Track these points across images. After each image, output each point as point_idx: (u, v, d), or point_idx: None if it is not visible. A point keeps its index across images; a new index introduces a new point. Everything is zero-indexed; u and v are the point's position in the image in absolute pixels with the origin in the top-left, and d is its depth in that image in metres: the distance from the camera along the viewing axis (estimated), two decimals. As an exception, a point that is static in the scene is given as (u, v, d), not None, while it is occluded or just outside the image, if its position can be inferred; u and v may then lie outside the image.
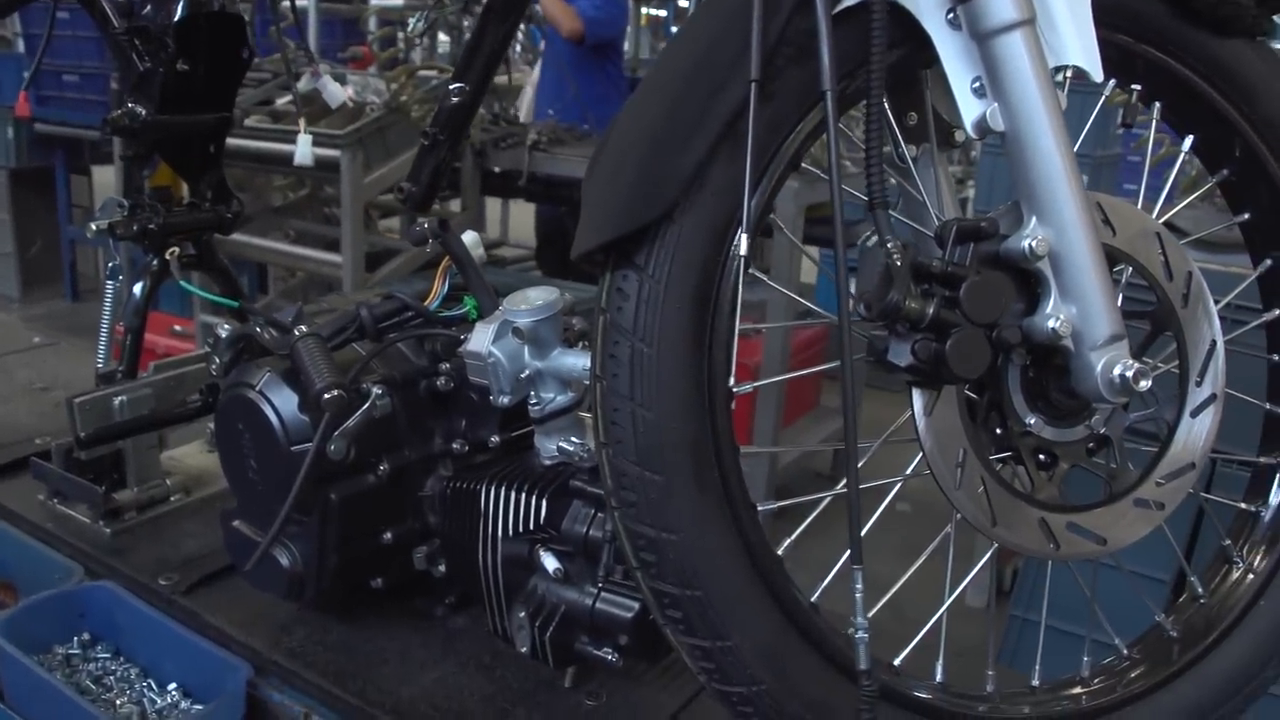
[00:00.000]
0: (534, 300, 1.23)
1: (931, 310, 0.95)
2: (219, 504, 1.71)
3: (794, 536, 1.07)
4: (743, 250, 0.95)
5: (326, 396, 1.19)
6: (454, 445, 1.37)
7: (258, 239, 4.59)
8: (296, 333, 1.26)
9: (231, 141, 1.76)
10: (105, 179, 5.80)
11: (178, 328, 4.50)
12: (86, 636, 1.53)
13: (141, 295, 1.69)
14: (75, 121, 5.50)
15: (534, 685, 1.33)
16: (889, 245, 0.96)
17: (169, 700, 1.44)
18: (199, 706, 1.42)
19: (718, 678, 1.02)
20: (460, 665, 1.37)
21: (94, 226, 1.65)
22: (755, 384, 1.01)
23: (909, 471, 1.09)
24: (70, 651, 1.50)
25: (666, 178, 0.96)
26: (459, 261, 1.36)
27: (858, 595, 0.92)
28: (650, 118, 0.99)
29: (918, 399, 1.03)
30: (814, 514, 1.09)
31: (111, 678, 1.48)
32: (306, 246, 4.73)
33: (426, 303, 1.38)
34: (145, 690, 1.46)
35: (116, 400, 1.60)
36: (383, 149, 4.20)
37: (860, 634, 0.92)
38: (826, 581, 1.08)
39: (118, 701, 1.43)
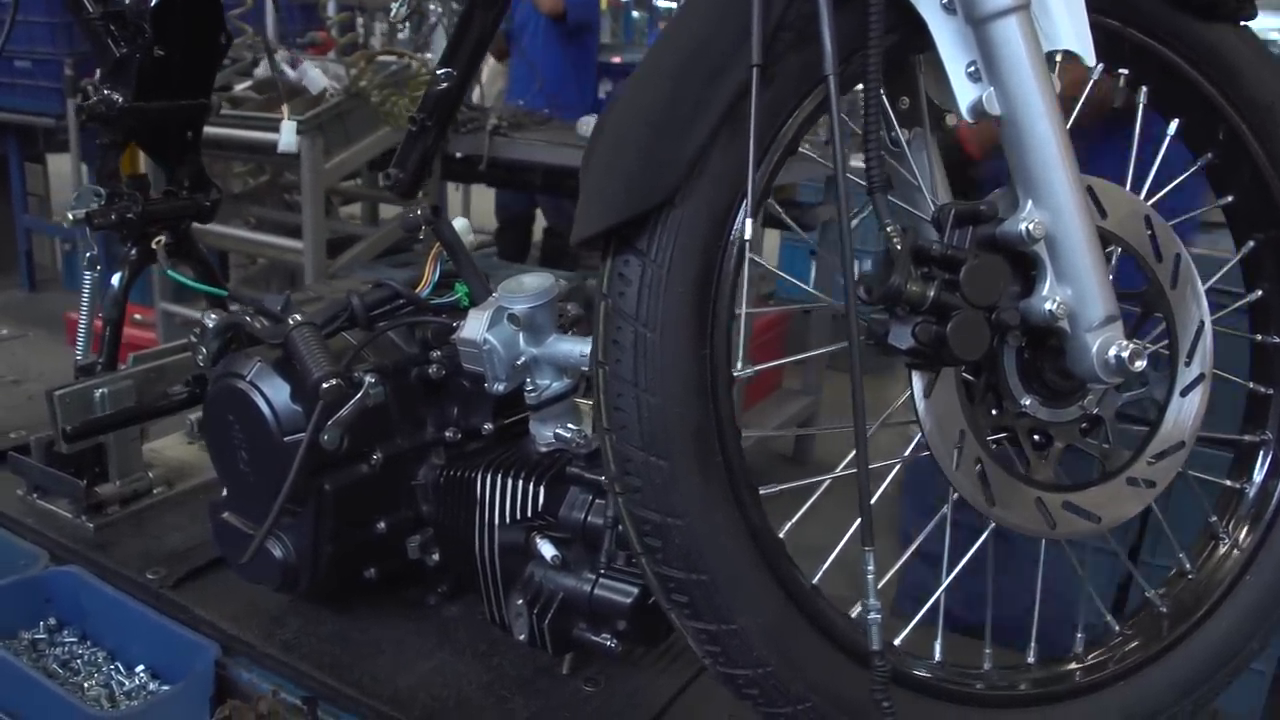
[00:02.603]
0: (529, 286, 1.22)
1: (932, 293, 0.96)
2: (202, 496, 1.71)
3: (795, 519, 1.08)
4: (747, 234, 0.96)
5: (325, 385, 1.18)
6: (446, 433, 1.36)
7: (219, 226, 4.53)
8: (291, 321, 1.24)
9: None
10: (60, 167, 5.70)
11: (138, 316, 4.44)
12: (53, 621, 1.51)
13: (120, 286, 1.67)
14: (28, 108, 5.40)
15: (532, 673, 1.33)
16: (889, 229, 0.97)
17: (137, 682, 1.43)
18: (167, 687, 1.41)
19: (723, 661, 1.02)
20: (457, 654, 1.36)
21: (71, 215, 1.63)
22: (757, 367, 1.01)
23: (907, 453, 1.10)
24: (36, 636, 1.49)
25: (669, 162, 0.96)
26: (451, 248, 1.35)
27: (869, 576, 0.92)
28: (650, 102, 0.99)
29: (917, 381, 1.05)
30: (815, 495, 1.09)
31: (79, 661, 1.46)
32: (267, 233, 4.68)
33: (418, 290, 1.37)
34: (113, 673, 1.45)
35: (97, 393, 1.58)
36: (342, 135, 4.16)
37: (873, 615, 0.92)
38: (828, 562, 1.09)
39: (85, 684, 1.42)
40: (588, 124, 3.87)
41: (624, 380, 0.98)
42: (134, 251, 1.68)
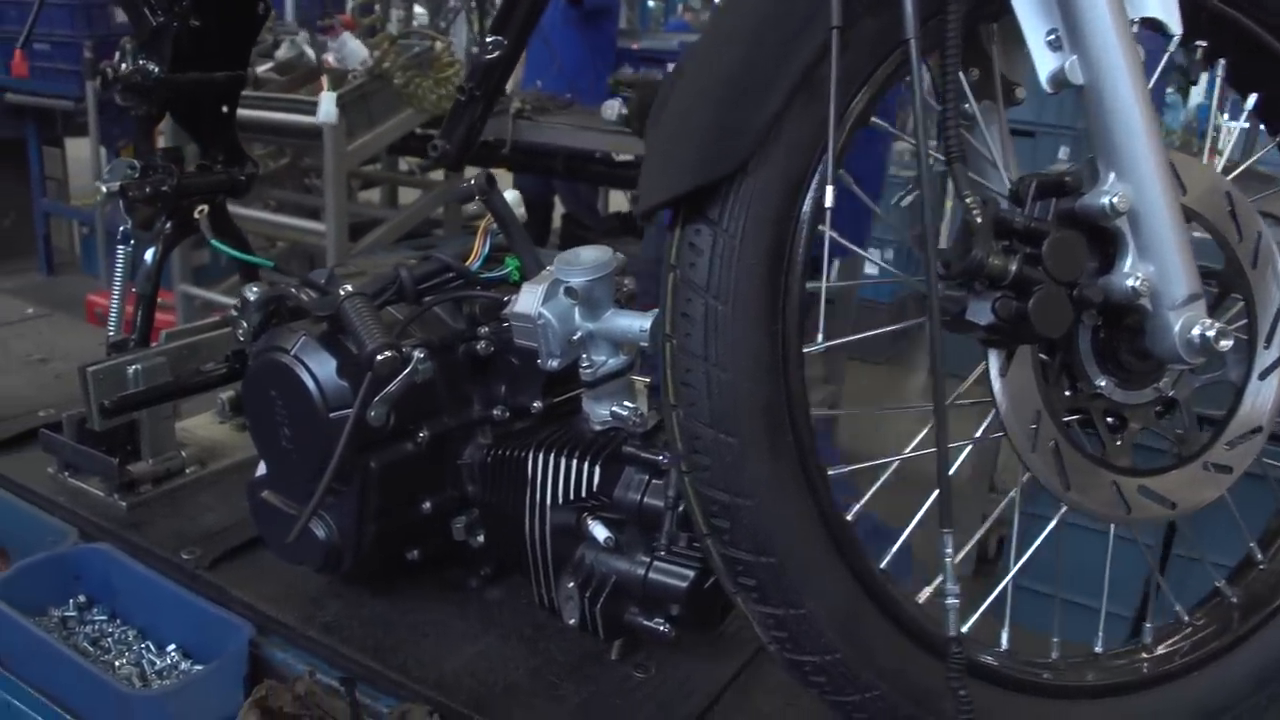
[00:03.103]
0: (587, 259, 1.18)
1: (1014, 267, 0.93)
2: (235, 476, 1.68)
3: (863, 500, 1.04)
4: (828, 201, 0.92)
5: (380, 358, 1.14)
6: (494, 411, 1.33)
7: (239, 208, 4.50)
8: (342, 292, 1.21)
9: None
10: (79, 151, 5.66)
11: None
12: (82, 599, 1.49)
13: (154, 261, 1.64)
14: (47, 91, 5.36)
15: (580, 658, 1.30)
16: (969, 201, 0.93)
17: (169, 661, 1.40)
18: (199, 667, 1.38)
19: (790, 647, 0.99)
20: (502, 638, 1.33)
21: (104, 189, 1.59)
22: (831, 342, 0.97)
23: (979, 433, 1.07)
24: (66, 614, 1.46)
25: (742, 128, 0.93)
26: (503, 221, 1.31)
27: (947, 559, 0.89)
28: (722, 66, 0.96)
29: (993, 359, 1.01)
30: (884, 476, 1.06)
31: (109, 640, 1.44)
32: (287, 215, 4.65)
33: (468, 263, 1.34)
34: (144, 651, 1.42)
35: (131, 369, 1.55)
36: (366, 116, 4.12)
37: (950, 599, 0.89)
38: (895, 548, 1.05)
39: (116, 663, 1.39)
40: (612, 108, 3.83)
41: (693, 354, 0.95)
42: (168, 225, 1.65)
